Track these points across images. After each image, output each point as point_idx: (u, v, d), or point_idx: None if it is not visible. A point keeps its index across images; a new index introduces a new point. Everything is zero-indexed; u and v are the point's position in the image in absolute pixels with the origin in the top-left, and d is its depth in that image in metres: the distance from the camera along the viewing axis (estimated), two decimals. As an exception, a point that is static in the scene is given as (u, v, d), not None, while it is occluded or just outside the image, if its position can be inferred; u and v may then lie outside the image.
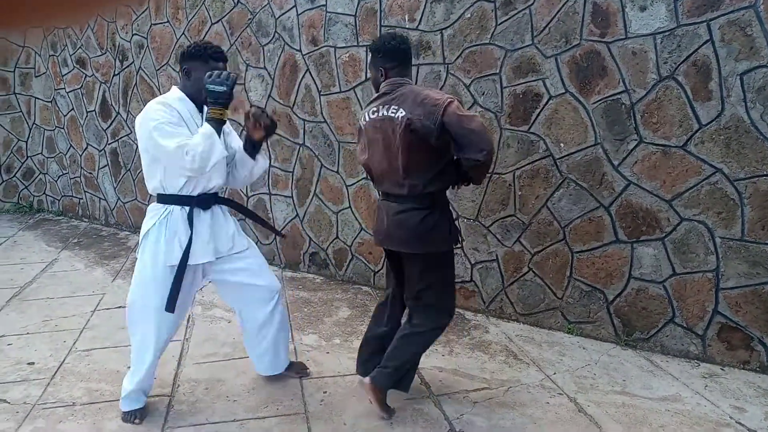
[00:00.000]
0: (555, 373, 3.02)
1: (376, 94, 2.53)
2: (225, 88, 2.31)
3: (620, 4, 3.04)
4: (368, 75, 3.97)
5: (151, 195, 2.61)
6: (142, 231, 2.54)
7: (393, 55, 2.48)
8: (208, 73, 2.34)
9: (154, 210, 2.54)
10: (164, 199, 2.53)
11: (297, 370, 2.99)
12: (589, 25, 3.14)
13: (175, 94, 2.50)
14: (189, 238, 2.47)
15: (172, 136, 2.32)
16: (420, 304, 2.57)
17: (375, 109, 2.48)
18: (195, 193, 2.51)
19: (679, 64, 2.95)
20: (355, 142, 4.14)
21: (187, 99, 2.49)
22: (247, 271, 2.67)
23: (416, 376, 2.99)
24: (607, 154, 3.21)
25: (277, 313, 2.78)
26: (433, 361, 3.09)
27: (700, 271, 3.06)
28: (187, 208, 2.50)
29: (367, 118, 2.51)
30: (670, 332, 3.19)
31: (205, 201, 2.55)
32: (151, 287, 2.48)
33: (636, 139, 3.12)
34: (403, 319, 2.71)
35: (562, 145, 3.33)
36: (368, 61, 2.54)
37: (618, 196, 3.21)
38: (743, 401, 2.75)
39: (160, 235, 2.48)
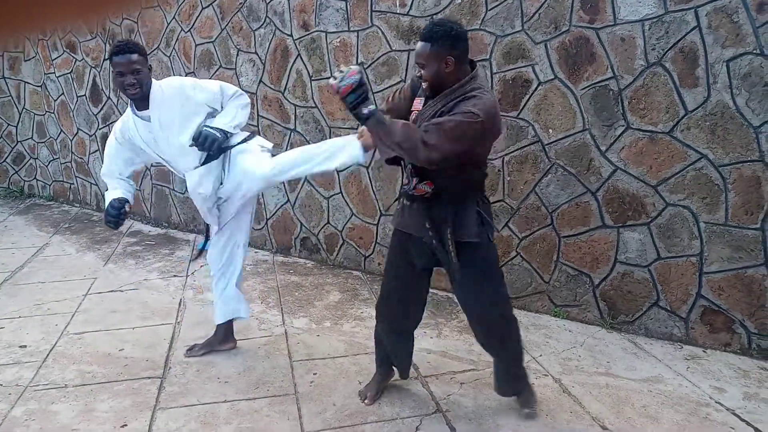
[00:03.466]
0: (541, 355, 3.07)
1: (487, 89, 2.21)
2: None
3: (609, -10, 3.06)
4: (360, 60, 3.98)
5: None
6: None
7: (461, 40, 2.18)
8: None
9: None
10: None
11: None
12: (578, 11, 3.16)
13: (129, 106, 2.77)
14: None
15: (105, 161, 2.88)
16: None
17: None
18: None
19: (667, 51, 2.97)
20: (346, 127, 4.16)
21: (131, 107, 2.70)
22: None
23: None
24: (594, 140, 3.24)
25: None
26: (421, 344, 3.12)
27: (684, 256, 3.12)
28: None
29: None
30: (654, 315, 3.25)
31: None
32: None
33: (623, 125, 3.15)
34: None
35: (550, 131, 3.36)
36: (426, 52, 2.13)
37: (605, 182, 3.25)
38: (723, 382, 2.82)
39: None
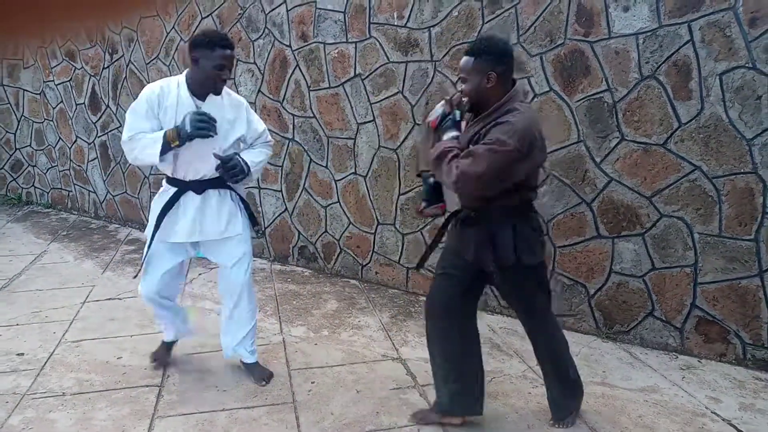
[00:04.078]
0: (537, 365, 3.08)
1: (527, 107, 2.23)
2: (189, 131, 2.43)
3: (604, 4, 3.10)
4: (358, 71, 4.02)
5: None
6: None
7: (506, 57, 2.18)
8: (191, 114, 2.45)
9: (161, 189, 2.77)
10: (167, 180, 2.75)
11: (258, 375, 2.92)
12: (574, 24, 3.21)
13: (179, 78, 2.60)
14: (163, 216, 2.68)
15: (129, 125, 2.56)
16: None
17: None
18: (187, 179, 2.67)
19: (661, 64, 3.02)
20: (344, 137, 4.19)
21: (186, 86, 2.56)
22: (226, 257, 2.80)
23: (402, 367, 3.07)
24: (589, 151, 3.28)
25: (238, 309, 2.87)
26: (419, 353, 3.15)
27: (678, 266, 3.15)
28: (175, 189, 2.70)
29: None
30: (650, 325, 3.28)
31: (198, 186, 2.68)
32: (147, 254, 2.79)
33: (618, 137, 3.19)
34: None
35: (546, 142, 3.39)
36: (469, 66, 2.17)
37: (600, 193, 3.29)
38: (719, 392, 2.84)
39: (154, 210, 2.72)
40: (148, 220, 2.79)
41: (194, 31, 4.85)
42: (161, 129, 2.53)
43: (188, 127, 2.42)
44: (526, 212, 2.34)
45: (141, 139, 2.53)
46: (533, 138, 2.11)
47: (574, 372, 2.54)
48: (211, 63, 2.45)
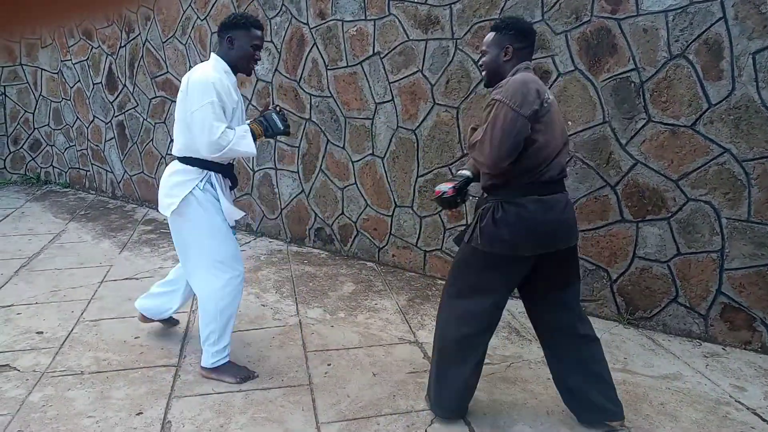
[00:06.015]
0: (557, 350, 3.04)
1: (531, 75, 2.17)
2: (282, 128, 2.63)
3: (633, -21, 2.99)
4: (376, 49, 3.95)
5: (172, 157, 2.69)
6: (177, 193, 2.57)
7: (526, 35, 2.22)
8: (274, 108, 2.65)
9: (192, 172, 2.58)
10: (200, 162, 2.58)
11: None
12: (600, 1, 3.10)
13: (220, 66, 2.55)
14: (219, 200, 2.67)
15: (217, 117, 2.43)
16: (577, 299, 2.41)
17: (546, 89, 2.20)
18: (225, 162, 2.67)
19: (691, 43, 2.91)
20: (362, 117, 4.13)
21: (230, 71, 2.57)
22: None
23: (419, 350, 3.04)
24: (615, 132, 3.19)
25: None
26: (436, 337, 3.12)
27: (704, 252, 3.06)
28: (220, 175, 2.66)
29: (550, 99, 2.16)
30: (673, 312, 3.21)
31: (228, 169, 2.71)
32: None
33: (645, 118, 3.10)
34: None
35: (570, 123, 3.31)
36: (489, 40, 2.23)
37: (625, 176, 3.20)
38: (743, 381, 2.78)
39: (206, 196, 2.60)
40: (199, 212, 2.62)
41: (210, 9, 4.80)
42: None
43: (280, 125, 2.59)
44: (524, 195, 2.17)
45: (230, 134, 2.46)
46: (523, 91, 2.06)
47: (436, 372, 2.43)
48: (248, 42, 2.52)
